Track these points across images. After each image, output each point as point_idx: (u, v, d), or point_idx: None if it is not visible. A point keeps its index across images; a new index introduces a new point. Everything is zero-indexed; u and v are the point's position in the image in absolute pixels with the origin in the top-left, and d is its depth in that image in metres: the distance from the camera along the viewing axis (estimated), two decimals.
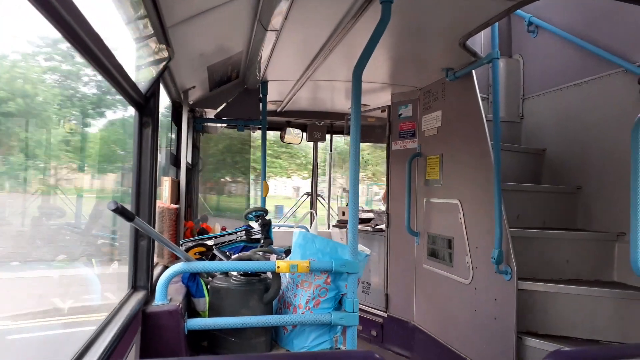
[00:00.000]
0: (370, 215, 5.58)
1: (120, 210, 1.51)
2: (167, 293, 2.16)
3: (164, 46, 2.28)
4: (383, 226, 4.79)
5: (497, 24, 2.91)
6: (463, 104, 3.57)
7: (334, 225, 5.92)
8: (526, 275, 3.10)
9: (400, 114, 4.52)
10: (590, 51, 3.44)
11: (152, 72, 2.35)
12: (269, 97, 4.60)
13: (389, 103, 4.67)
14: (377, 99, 4.82)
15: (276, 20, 2.72)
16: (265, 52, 3.35)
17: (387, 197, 4.75)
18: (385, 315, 4.66)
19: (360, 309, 2.33)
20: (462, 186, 3.57)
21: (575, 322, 2.90)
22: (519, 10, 3.47)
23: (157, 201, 2.40)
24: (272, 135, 8.56)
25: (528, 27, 4.13)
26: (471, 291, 3.36)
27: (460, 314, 3.51)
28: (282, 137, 6.02)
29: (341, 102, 5.28)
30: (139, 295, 2.07)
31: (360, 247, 2.42)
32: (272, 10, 2.56)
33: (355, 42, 2.98)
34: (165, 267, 2.65)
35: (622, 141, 3.12)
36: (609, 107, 3.28)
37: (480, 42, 3.64)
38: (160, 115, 2.38)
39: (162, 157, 3.69)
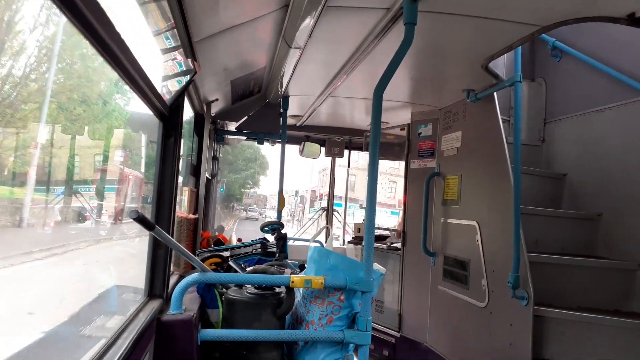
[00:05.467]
0: (386, 233, 5.56)
1: (141, 219, 1.54)
2: (182, 303, 2.18)
3: (190, 60, 2.34)
4: (398, 245, 4.76)
5: (520, 47, 2.91)
6: (483, 125, 3.55)
7: (349, 242, 5.91)
8: (543, 301, 3.04)
9: (420, 133, 4.52)
10: (614, 77, 3.40)
11: (177, 84, 2.41)
12: (289, 112, 4.66)
13: (409, 121, 4.68)
14: (397, 117, 4.83)
15: (300, 38, 2.77)
16: (288, 69, 3.41)
17: (403, 216, 4.73)
18: (398, 335, 4.60)
19: (372, 328, 2.31)
20: (480, 208, 3.54)
21: (591, 352, 2.82)
22: (543, 35, 3.46)
23: (177, 211, 2.44)
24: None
25: (552, 51, 4.12)
26: (486, 315, 3.31)
27: (475, 338, 3.45)
28: (300, 152, 6.06)
29: (361, 119, 5.30)
30: (155, 304, 2.09)
31: (376, 265, 2.41)
32: (297, 28, 2.60)
33: (377, 61, 3.01)
34: (181, 277, 2.68)
35: None
36: (633, 134, 3.23)
37: (502, 64, 3.63)
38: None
39: (182, 167, 3.75)
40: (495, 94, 3.43)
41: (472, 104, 3.68)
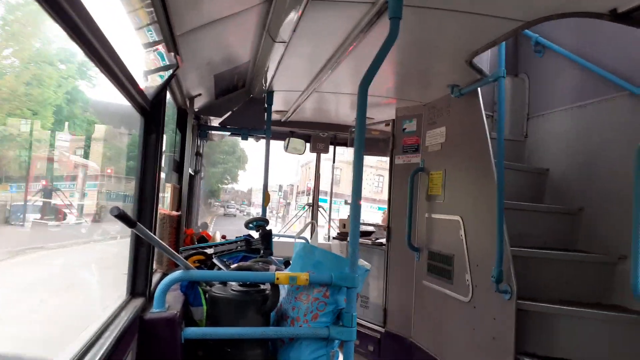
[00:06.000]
0: (371, 228, 5.57)
1: (122, 216, 1.51)
2: (166, 301, 2.15)
3: (172, 54, 2.30)
4: (383, 240, 4.78)
5: (504, 42, 2.92)
6: (467, 121, 3.57)
7: (334, 238, 5.91)
8: (526, 295, 3.07)
9: (405, 129, 4.53)
10: (596, 73, 3.44)
11: (160, 79, 2.37)
12: (274, 107, 4.63)
13: (394, 117, 4.69)
14: (382, 112, 4.84)
15: (285, 32, 2.74)
16: (272, 63, 3.37)
17: (388, 212, 4.75)
18: (382, 330, 4.62)
19: (357, 324, 2.32)
20: (464, 203, 3.56)
21: (574, 344, 2.87)
22: (526, 30, 3.49)
23: (159, 208, 2.40)
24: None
25: (535, 47, 4.15)
26: (470, 309, 3.34)
27: (459, 332, 3.48)
28: (285, 147, 6.03)
29: (346, 114, 5.29)
30: (137, 302, 2.06)
31: (361, 261, 2.41)
32: (281, 22, 2.58)
33: (363, 56, 3.00)
34: (164, 275, 2.64)
35: (626, 164, 3.12)
36: (614, 129, 3.28)
37: (487, 59, 3.65)
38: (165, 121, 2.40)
39: (165, 163, 3.69)
40: (479, 89, 3.44)
41: (456, 100, 3.70)
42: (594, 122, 3.49)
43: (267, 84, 4.01)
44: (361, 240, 4.95)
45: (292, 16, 2.50)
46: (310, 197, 6.84)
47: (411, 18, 2.44)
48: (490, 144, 3.26)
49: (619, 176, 3.16)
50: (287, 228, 7.94)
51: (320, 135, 6.01)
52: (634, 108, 3.11)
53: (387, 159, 4.91)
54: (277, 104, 4.70)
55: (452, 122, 3.82)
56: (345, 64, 3.26)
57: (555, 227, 3.52)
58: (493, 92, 4.37)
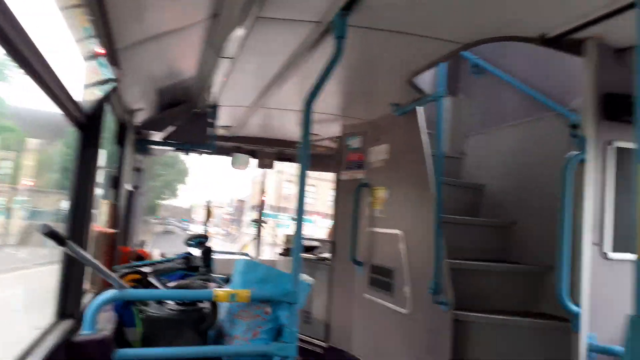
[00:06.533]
0: (315, 243, 5.59)
1: (51, 234, 1.44)
2: (97, 322, 2.05)
3: (113, 67, 2.25)
4: (327, 255, 4.81)
5: (444, 63, 3.06)
6: (409, 138, 3.69)
7: (279, 254, 5.88)
8: (462, 305, 3.19)
9: (350, 145, 4.61)
10: (528, 94, 3.66)
11: (99, 92, 2.30)
12: (219, 122, 4.58)
13: (340, 134, 4.77)
14: (328, 129, 4.91)
15: (231, 48, 2.74)
16: (217, 78, 3.35)
17: (333, 227, 4.79)
18: (325, 345, 4.62)
19: (300, 339, 2.31)
20: (405, 218, 3.66)
21: (507, 352, 2.99)
22: (464, 52, 3.68)
23: (94, 225, 2.31)
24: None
25: (473, 68, 4.36)
26: (409, 321, 3.42)
27: (397, 345, 3.55)
28: (231, 163, 5.96)
29: (292, 130, 5.32)
30: (66, 325, 1.96)
31: (303, 276, 2.42)
32: (228, 38, 2.58)
33: (309, 74, 3.05)
34: (97, 295, 2.53)
35: (554, 180, 3.32)
36: (544, 147, 3.48)
37: (428, 79, 3.81)
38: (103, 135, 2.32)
39: (101, 179, 3.56)
40: (420, 108, 3.58)
41: (398, 118, 3.82)
42: (526, 141, 3.70)
43: (212, 99, 3.97)
44: (305, 255, 4.96)
45: (239, 32, 2.51)
46: (267, 212, 6.79)
47: (355, 38, 2.51)
48: (429, 161, 3.38)
49: (548, 192, 3.36)
50: (236, 245, 7.81)
51: (266, 150, 5.99)
52: (561, 127, 3.32)
53: None
54: (223, 118, 4.65)
55: (395, 140, 3.94)
56: (292, 80, 3.30)
57: (490, 240, 3.69)
58: (433, 110, 4.56)
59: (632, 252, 1.18)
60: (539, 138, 3.55)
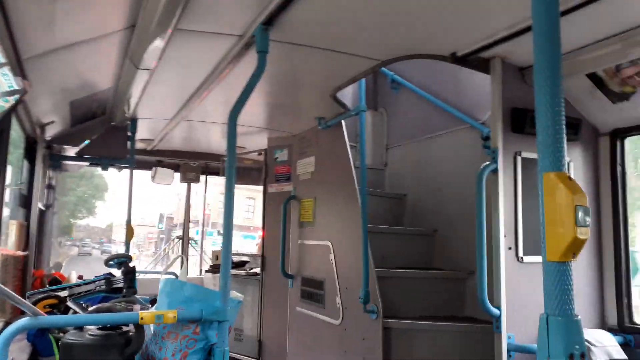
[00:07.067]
0: (245, 258, 5.50)
1: None
2: (8, 353, 1.87)
3: (19, 78, 2.09)
4: (258, 270, 4.75)
5: (364, 79, 3.17)
6: (334, 151, 3.77)
7: (206, 271, 5.71)
8: (391, 313, 3.27)
9: (277, 158, 4.61)
10: (442, 108, 3.88)
11: (4, 104, 2.12)
12: (139, 135, 4.39)
13: (266, 146, 4.76)
14: (254, 141, 4.88)
15: (149, 59, 2.65)
16: (136, 90, 3.22)
17: (262, 240, 4.75)
18: None
19: (231, 358, 2.26)
20: (333, 228, 3.72)
21: (435, 357, 3.10)
22: (383, 69, 3.84)
23: (1, 248, 2.11)
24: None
25: (391, 83, 4.54)
26: (341, 332, 3.45)
27: (331, 356, 3.57)
28: (152, 177, 5.72)
29: (217, 143, 5.23)
30: None
31: (233, 293, 2.37)
32: (145, 49, 2.49)
33: (232, 87, 3.02)
34: (7, 324, 2.30)
35: (470, 190, 3.54)
36: (460, 158, 3.69)
37: (350, 94, 3.92)
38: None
39: (9, 198, 3.26)
40: (343, 122, 3.67)
41: (323, 131, 3.89)
42: (442, 152, 3.91)
43: (131, 111, 3.80)
44: (235, 271, 4.86)
45: (157, 43, 2.43)
46: (200, 228, 6.56)
47: (278, 52, 2.53)
48: (354, 173, 3.47)
49: (465, 201, 3.56)
50: (164, 265, 7.45)
51: (190, 164, 5.83)
52: (474, 140, 3.55)
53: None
54: (142, 132, 4.47)
55: (320, 152, 4.00)
56: (215, 93, 3.25)
57: (413, 248, 3.83)
58: (356, 124, 4.69)
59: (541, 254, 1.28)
60: (455, 149, 3.76)
